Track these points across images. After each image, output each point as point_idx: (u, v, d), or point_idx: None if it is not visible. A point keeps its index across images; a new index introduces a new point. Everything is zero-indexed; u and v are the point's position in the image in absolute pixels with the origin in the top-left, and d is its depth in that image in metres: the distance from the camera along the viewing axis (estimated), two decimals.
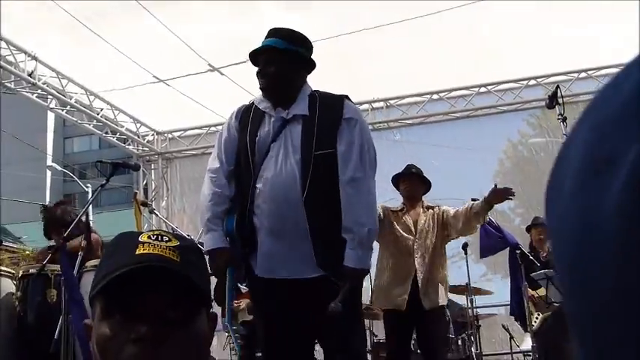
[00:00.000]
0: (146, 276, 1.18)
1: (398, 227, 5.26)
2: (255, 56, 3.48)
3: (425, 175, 5.46)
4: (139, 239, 1.24)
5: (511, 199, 5.21)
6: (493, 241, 5.99)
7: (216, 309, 6.86)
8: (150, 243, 1.23)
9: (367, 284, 8.66)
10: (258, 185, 3.30)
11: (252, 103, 3.57)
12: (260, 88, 3.47)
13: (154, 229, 1.22)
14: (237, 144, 3.48)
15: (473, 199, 5.86)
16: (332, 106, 3.41)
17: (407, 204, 5.40)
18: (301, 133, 3.33)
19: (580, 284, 0.38)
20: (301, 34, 3.52)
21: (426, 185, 5.47)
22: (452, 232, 5.30)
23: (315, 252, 3.21)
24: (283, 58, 3.40)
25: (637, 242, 0.33)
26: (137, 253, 1.21)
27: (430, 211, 5.36)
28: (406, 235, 5.22)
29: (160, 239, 1.24)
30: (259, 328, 3.48)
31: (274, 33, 3.48)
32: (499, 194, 5.12)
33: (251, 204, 3.32)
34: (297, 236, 3.23)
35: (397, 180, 5.49)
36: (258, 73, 3.45)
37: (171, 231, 6.05)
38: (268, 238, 3.29)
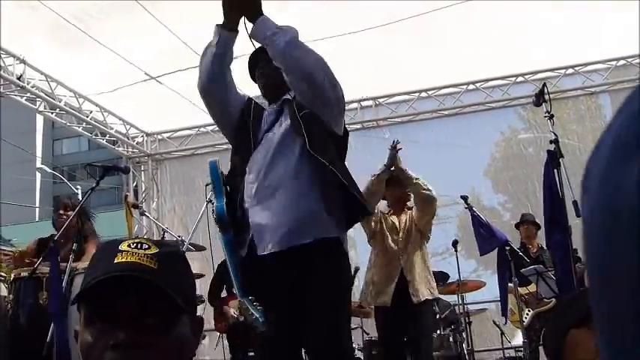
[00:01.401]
0: (123, 283, 1.21)
1: (385, 227, 5.53)
2: (252, 62, 3.59)
3: (414, 172, 5.57)
4: (119, 248, 1.27)
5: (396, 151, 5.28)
6: (484, 240, 6.05)
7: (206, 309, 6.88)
8: (128, 251, 1.26)
9: (358, 283, 8.72)
10: (248, 168, 3.39)
11: (250, 98, 3.65)
12: (261, 87, 3.58)
13: (137, 236, 1.26)
14: (236, 129, 3.55)
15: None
16: None
17: (393, 208, 5.68)
18: (287, 108, 3.45)
19: (606, 279, 0.38)
20: None
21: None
22: (420, 225, 5.50)
23: (324, 202, 3.24)
24: None
25: None
26: (115, 261, 1.24)
27: (409, 211, 5.64)
28: (392, 234, 5.50)
29: (139, 247, 1.27)
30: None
31: None
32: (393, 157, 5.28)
33: (242, 188, 3.38)
34: (290, 205, 3.27)
35: (386, 186, 5.60)
36: (259, 73, 3.55)
37: (161, 232, 6.04)
38: (259, 215, 3.31)
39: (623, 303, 0.36)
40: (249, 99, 3.64)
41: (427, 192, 5.36)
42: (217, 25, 3.38)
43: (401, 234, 5.48)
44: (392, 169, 5.31)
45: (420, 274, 5.39)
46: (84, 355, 1.23)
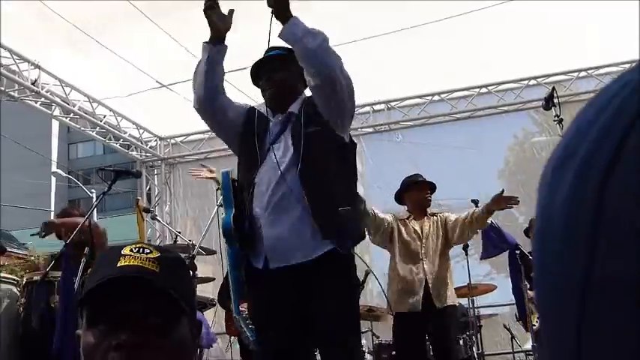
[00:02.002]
0: (126, 286, 1.25)
1: (405, 233, 5.48)
2: (257, 70, 3.62)
3: (426, 176, 5.62)
4: (122, 252, 1.31)
5: (512, 207, 5.31)
6: (493, 245, 6.04)
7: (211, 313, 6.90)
8: (131, 255, 1.30)
9: (372, 286, 8.72)
10: (256, 180, 3.39)
11: (253, 107, 3.67)
12: (267, 96, 3.58)
13: (138, 242, 1.31)
14: (240, 139, 3.58)
15: (472, 200, 5.91)
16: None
17: (413, 212, 5.62)
18: (292, 125, 3.45)
19: (538, 274, 0.40)
20: None
21: (431, 189, 5.71)
22: (453, 238, 5.50)
23: (317, 223, 3.25)
24: (287, 65, 3.52)
25: (578, 234, 0.35)
26: (118, 265, 1.28)
27: (433, 217, 5.59)
28: (414, 240, 5.45)
29: (141, 251, 1.31)
30: (260, 330, 3.49)
31: (273, 48, 3.62)
32: (501, 201, 5.24)
33: (251, 200, 3.40)
34: (297, 219, 3.29)
35: (404, 190, 5.67)
36: (265, 81, 3.57)
37: (173, 236, 6.08)
38: (271, 228, 3.34)
39: (553, 310, 0.39)
40: (251, 108, 3.65)
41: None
42: (204, 42, 3.42)
43: (424, 240, 5.45)
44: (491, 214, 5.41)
45: (445, 280, 5.40)
46: (86, 357, 1.26)
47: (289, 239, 3.30)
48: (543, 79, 8.89)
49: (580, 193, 0.36)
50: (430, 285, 5.29)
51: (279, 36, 3.29)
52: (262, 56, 3.62)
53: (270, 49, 3.63)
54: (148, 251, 1.32)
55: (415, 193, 5.61)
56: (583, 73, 8.83)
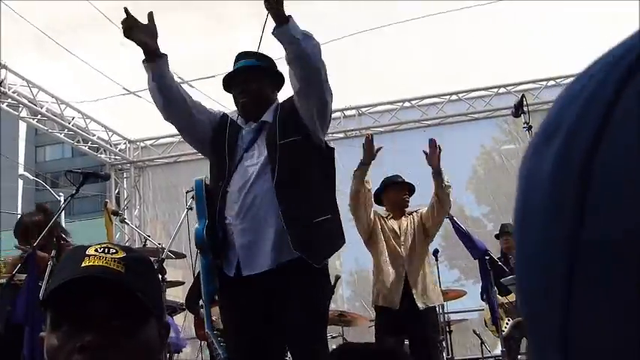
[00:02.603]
0: (90, 287, 1.22)
1: (387, 232, 5.48)
2: (230, 78, 3.61)
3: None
4: (86, 252, 1.28)
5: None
6: (469, 249, 6.08)
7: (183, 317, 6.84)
8: (96, 255, 1.27)
9: (342, 291, 8.72)
10: (229, 189, 3.38)
11: (226, 115, 3.66)
12: (240, 105, 3.56)
13: (103, 242, 1.28)
14: (211, 146, 3.56)
15: None
16: (290, 99, 3.54)
17: (391, 212, 5.63)
18: (267, 135, 3.44)
19: (520, 252, 0.40)
20: (265, 54, 3.70)
21: (409, 190, 5.72)
22: (429, 225, 5.47)
23: (289, 234, 3.23)
24: (261, 75, 3.56)
25: (565, 200, 0.35)
26: (82, 265, 1.25)
27: (410, 216, 5.59)
28: (394, 239, 5.45)
29: (106, 251, 1.29)
30: (231, 338, 3.47)
31: (245, 55, 3.64)
32: (432, 156, 5.33)
33: (221, 208, 3.38)
34: (273, 228, 3.28)
35: (383, 190, 5.66)
36: (238, 92, 3.55)
37: (143, 240, 6.01)
38: (243, 236, 3.33)
39: (535, 289, 0.38)
40: (224, 115, 3.64)
41: (449, 199, 5.42)
42: (143, 62, 3.38)
43: (402, 238, 5.44)
44: (368, 165, 5.31)
45: (425, 278, 5.38)
46: (49, 358, 1.23)
47: (261, 247, 3.30)
48: (513, 88, 9.00)
49: (568, 157, 0.36)
50: (410, 283, 5.28)
51: (275, 35, 3.27)
52: (234, 66, 3.61)
53: (240, 56, 3.63)
54: (114, 251, 1.29)
55: (393, 193, 5.62)
56: (551, 82, 8.96)
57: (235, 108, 3.65)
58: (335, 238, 3.50)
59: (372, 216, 5.48)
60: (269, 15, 3.24)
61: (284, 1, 3.19)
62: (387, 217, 5.59)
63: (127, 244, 9.57)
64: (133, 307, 1.23)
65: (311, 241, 3.29)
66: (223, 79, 3.65)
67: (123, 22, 3.29)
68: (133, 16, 3.29)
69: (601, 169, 0.34)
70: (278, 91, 3.68)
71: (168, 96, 3.43)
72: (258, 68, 3.56)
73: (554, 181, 0.36)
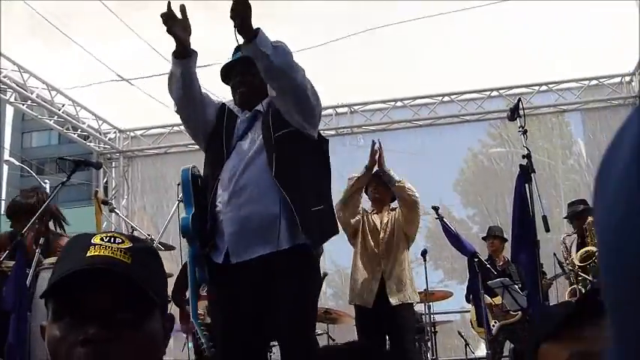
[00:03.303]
0: (95, 277, 1.18)
1: (367, 227, 5.46)
2: (228, 69, 3.61)
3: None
4: (92, 241, 1.25)
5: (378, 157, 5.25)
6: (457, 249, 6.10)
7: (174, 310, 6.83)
8: (101, 245, 1.24)
9: (327, 288, 8.73)
10: (220, 176, 3.39)
11: (224, 104, 3.67)
12: (238, 95, 3.57)
13: (109, 230, 1.25)
14: (210, 135, 3.56)
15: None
16: None
17: (374, 206, 5.60)
18: (262, 125, 3.46)
19: (623, 268, 0.37)
20: None
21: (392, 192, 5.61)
22: (403, 226, 5.43)
23: (299, 220, 3.24)
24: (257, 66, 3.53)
25: None
26: (88, 255, 1.22)
27: (392, 212, 5.55)
28: (373, 234, 5.43)
29: (112, 241, 1.25)
30: (219, 327, 3.47)
31: (235, 49, 3.62)
32: (373, 157, 5.25)
33: (213, 195, 3.39)
34: (265, 216, 3.29)
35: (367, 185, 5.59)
36: (237, 81, 3.55)
37: (130, 230, 5.98)
38: (233, 223, 3.32)
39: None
40: (223, 105, 3.65)
41: (411, 195, 5.31)
42: (174, 56, 3.36)
43: (382, 234, 5.41)
44: (373, 170, 5.31)
45: (401, 276, 5.33)
46: (51, 351, 1.20)
47: (251, 236, 3.29)
48: (505, 91, 9.03)
49: None
50: (386, 281, 5.26)
51: (242, 51, 3.26)
52: (233, 57, 3.62)
53: (239, 48, 3.62)
54: (120, 241, 1.26)
55: (376, 188, 5.57)
56: (544, 87, 8.99)
57: (231, 97, 3.67)
58: (331, 225, 3.52)
59: (357, 219, 5.46)
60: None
61: (250, 13, 3.12)
62: (371, 212, 5.56)
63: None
64: (138, 299, 1.21)
65: (310, 226, 3.29)
66: (221, 69, 3.65)
67: (163, 15, 3.24)
68: (172, 9, 3.26)
69: None
70: None
71: (189, 94, 3.43)
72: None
73: None
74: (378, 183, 5.52)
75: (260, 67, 3.27)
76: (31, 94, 8.53)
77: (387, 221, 5.47)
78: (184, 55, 3.34)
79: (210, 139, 3.58)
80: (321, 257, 8.24)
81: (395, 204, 5.61)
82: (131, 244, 1.26)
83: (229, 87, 3.67)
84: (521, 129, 4.40)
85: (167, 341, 1.33)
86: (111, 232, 1.32)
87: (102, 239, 1.25)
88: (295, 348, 3.29)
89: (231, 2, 3.11)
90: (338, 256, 8.75)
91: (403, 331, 5.30)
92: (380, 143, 5.34)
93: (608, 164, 0.39)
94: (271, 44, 3.21)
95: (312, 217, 3.31)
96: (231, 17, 3.12)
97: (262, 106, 3.53)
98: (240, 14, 3.11)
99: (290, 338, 3.30)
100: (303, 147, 3.44)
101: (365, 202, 5.65)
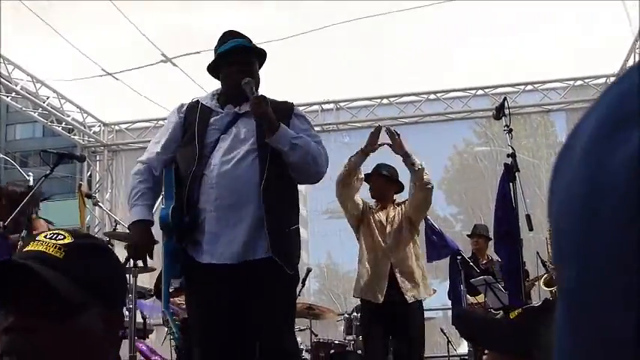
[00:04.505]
0: (25, 271, 1.23)
1: (373, 223, 5.40)
2: (224, 56, 3.56)
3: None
4: (37, 238, 1.32)
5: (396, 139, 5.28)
6: (435, 248, 6.11)
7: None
8: (40, 241, 1.29)
9: (310, 284, 8.73)
10: (205, 172, 3.37)
11: (197, 101, 3.65)
12: (232, 84, 3.52)
13: (60, 228, 1.33)
14: (181, 136, 3.56)
15: None
16: (283, 105, 3.59)
17: (379, 202, 5.55)
18: (256, 127, 3.45)
19: (583, 251, 0.36)
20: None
21: (396, 185, 5.59)
22: (411, 214, 5.41)
23: (269, 238, 3.29)
24: (253, 56, 3.60)
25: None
26: (25, 249, 1.30)
27: (398, 207, 5.49)
28: (380, 231, 5.36)
29: (53, 237, 1.30)
30: (197, 323, 3.46)
31: (236, 34, 3.62)
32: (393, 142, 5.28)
33: (196, 191, 3.37)
34: (248, 223, 3.32)
35: (367, 179, 5.58)
36: (238, 70, 3.51)
37: (114, 223, 5.93)
38: (216, 224, 3.33)
39: (606, 290, 0.34)
40: (191, 105, 3.64)
41: (427, 180, 5.29)
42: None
43: (388, 229, 5.34)
44: (368, 153, 5.29)
45: (413, 271, 5.28)
46: None
47: (233, 239, 3.32)
48: (490, 90, 9.06)
49: None
50: (398, 277, 5.19)
51: (267, 140, 3.38)
52: (229, 44, 3.56)
53: (231, 35, 3.62)
54: (62, 237, 1.30)
55: (378, 183, 5.54)
56: (529, 87, 9.03)
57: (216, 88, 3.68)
58: (299, 248, 3.58)
59: (359, 201, 5.42)
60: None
61: (268, 109, 3.35)
62: (375, 208, 5.49)
63: (97, 228, 9.49)
64: (69, 293, 1.23)
65: (285, 248, 3.37)
66: (220, 54, 3.58)
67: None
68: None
69: None
70: None
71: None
72: (253, 50, 3.61)
73: (634, 175, 0.33)
74: (377, 177, 5.51)
75: (284, 157, 3.41)
76: (16, 85, 8.47)
77: (394, 215, 5.42)
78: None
79: (184, 137, 3.56)
80: (306, 251, 8.27)
81: (401, 198, 5.58)
82: (71, 240, 1.30)
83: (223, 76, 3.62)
84: (506, 128, 4.43)
85: (108, 339, 1.34)
86: (60, 229, 1.37)
87: (45, 236, 1.31)
88: (273, 353, 3.31)
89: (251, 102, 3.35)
90: (334, 250, 8.81)
91: (413, 334, 5.26)
92: (391, 130, 5.32)
93: (562, 162, 0.39)
94: (290, 141, 3.35)
95: (288, 237, 3.40)
96: (254, 115, 3.39)
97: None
98: (259, 113, 3.36)
99: (269, 344, 3.32)
100: (286, 166, 3.48)
101: (369, 199, 5.65)
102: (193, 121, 3.51)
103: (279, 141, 3.32)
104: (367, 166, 5.60)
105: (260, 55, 3.63)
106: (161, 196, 3.55)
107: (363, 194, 5.64)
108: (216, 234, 3.32)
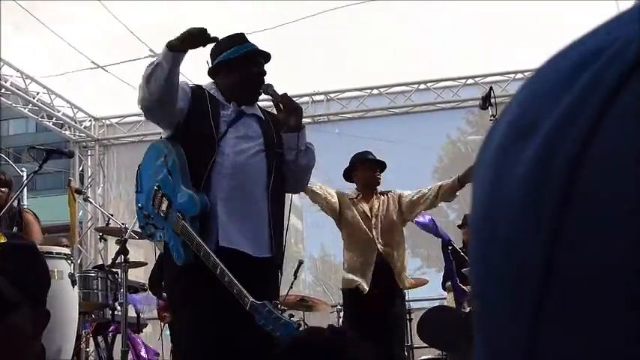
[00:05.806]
0: None
1: (356, 214, 5.33)
2: (250, 56, 3.59)
3: None
4: None
5: None
6: (430, 225, 6.06)
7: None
8: None
9: (304, 276, 8.75)
10: (218, 160, 3.37)
11: (201, 87, 3.60)
12: (257, 84, 3.55)
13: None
14: (189, 115, 3.45)
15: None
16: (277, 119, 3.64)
17: (362, 192, 5.45)
18: (261, 130, 3.53)
19: (480, 254, 0.35)
20: None
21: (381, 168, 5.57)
22: (408, 214, 5.41)
23: (274, 239, 3.41)
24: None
25: (537, 215, 0.30)
26: None
27: (382, 197, 5.43)
28: (364, 221, 5.30)
29: None
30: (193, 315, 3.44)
31: (246, 38, 3.67)
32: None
33: (208, 176, 3.34)
34: (257, 219, 3.39)
35: (353, 167, 5.52)
36: (260, 71, 3.59)
37: (106, 219, 5.95)
38: (227, 212, 3.35)
39: (499, 301, 0.33)
40: (198, 87, 3.58)
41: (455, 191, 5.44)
42: (169, 47, 3.25)
43: (373, 220, 5.28)
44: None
45: (398, 262, 5.27)
46: None
47: (244, 231, 3.35)
48: (481, 79, 9.06)
49: (548, 164, 0.30)
50: (390, 266, 5.19)
51: (282, 134, 3.49)
52: (248, 46, 3.60)
53: (245, 38, 3.66)
54: None
55: (362, 171, 5.44)
56: (519, 75, 9.03)
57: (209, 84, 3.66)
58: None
59: (332, 196, 5.32)
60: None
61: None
62: (356, 198, 5.40)
63: (89, 223, 9.49)
64: (8, 293, 1.25)
65: (282, 251, 3.51)
66: (248, 53, 3.58)
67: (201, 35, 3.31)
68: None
69: (586, 179, 0.29)
70: None
71: (172, 87, 3.31)
72: (269, 57, 3.69)
73: (528, 192, 0.31)
74: (368, 166, 5.45)
75: (287, 155, 3.49)
76: (5, 82, 8.44)
77: (379, 206, 5.35)
78: (183, 51, 3.29)
79: (190, 118, 3.45)
80: (301, 242, 8.29)
81: (384, 189, 5.52)
82: (5, 241, 1.34)
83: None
84: (492, 117, 4.43)
85: (35, 337, 1.36)
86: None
87: None
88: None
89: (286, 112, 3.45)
90: (327, 241, 8.82)
91: (398, 320, 5.33)
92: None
93: (480, 160, 0.38)
94: (306, 143, 3.49)
95: (281, 241, 3.50)
96: (288, 122, 3.46)
97: (258, 111, 3.61)
98: (294, 107, 3.51)
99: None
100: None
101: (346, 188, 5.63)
102: (204, 106, 3.45)
103: (301, 139, 3.44)
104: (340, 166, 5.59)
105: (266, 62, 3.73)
106: (166, 170, 3.41)
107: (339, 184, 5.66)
108: (231, 221, 3.34)
